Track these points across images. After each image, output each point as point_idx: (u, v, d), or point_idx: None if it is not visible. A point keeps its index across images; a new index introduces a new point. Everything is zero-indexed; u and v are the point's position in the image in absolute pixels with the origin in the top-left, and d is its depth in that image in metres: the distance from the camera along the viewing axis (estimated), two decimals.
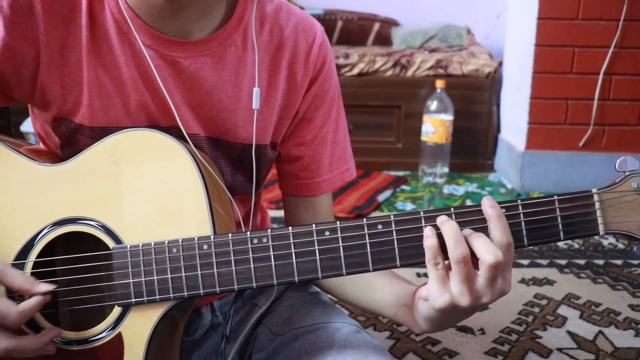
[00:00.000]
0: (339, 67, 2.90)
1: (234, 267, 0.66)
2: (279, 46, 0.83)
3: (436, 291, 0.63)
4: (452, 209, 0.65)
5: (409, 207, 2.46)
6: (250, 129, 0.82)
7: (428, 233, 0.63)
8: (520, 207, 0.65)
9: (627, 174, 0.65)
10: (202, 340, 0.89)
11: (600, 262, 1.90)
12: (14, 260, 0.71)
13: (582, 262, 1.89)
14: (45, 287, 0.65)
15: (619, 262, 1.90)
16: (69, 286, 0.71)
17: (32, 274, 0.70)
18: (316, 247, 0.65)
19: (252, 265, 0.66)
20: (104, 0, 0.75)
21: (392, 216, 0.65)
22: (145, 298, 0.68)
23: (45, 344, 0.66)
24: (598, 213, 0.65)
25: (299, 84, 0.85)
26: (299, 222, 0.94)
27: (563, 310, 1.58)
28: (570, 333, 1.46)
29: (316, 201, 0.93)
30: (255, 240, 0.66)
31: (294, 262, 0.66)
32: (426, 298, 0.66)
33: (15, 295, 0.70)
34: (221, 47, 0.79)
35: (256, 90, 0.79)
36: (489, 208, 0.63)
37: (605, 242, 2.06)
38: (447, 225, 0.63)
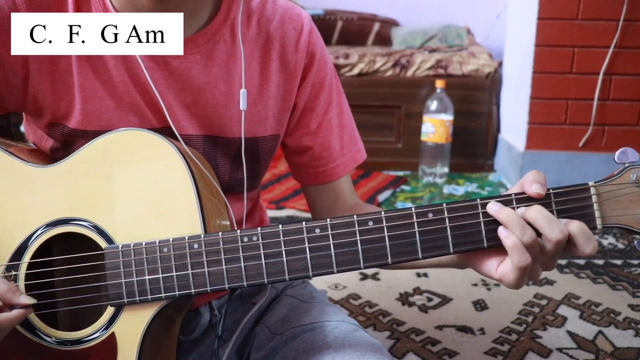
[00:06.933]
0: (338, 67, 2.90)
1: (224, 266, 0.66)
2: (267, 38, 0.84)
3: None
4: (444, 205, 0.64)
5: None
6: (247, 124, 0.82)
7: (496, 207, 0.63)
8: (514, 202, 0.64)
9: (626, 165, 0.63)
10: (200, 340, 0.88)
11: (600, 262, 1.89)
12: (9, 261, 0.71)
13: (582, 262, 1.89)
14: (25, 299, 0.65)
15: (618, 262, 1.89)
16: (63, 287, 0.71)
17: (27, 274, 0.70)
18: (306, 244, 0.65)
19: (242, 264, 0.66)
20: (91, 5, 0.76)
21: (382, 212, 0.65)
22: (137, 298, 0.67)
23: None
24: (595, 207, 0.63)
25: (293, 73, 0.85)
26: (323, 209, 0.95)
27: (563, 310, 1.57)
28: (570, 333, 1.45)
29: (336, 185, 0.94)
30: (246, 239, 0.66)
31: (285, 260, 0.65)
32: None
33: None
34: (210, 44, 0.79)
35: (243, 91, 0.80)
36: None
37: (605, 242, 2.05)
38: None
